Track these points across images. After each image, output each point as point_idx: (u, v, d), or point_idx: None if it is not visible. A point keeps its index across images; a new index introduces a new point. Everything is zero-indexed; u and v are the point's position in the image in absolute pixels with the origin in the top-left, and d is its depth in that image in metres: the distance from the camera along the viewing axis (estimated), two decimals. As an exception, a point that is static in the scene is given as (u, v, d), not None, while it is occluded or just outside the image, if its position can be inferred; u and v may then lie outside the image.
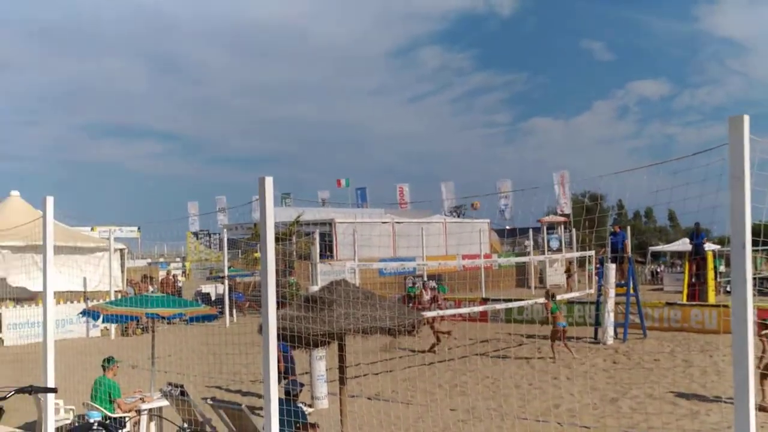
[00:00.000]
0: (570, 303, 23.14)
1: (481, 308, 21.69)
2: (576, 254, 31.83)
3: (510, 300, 22.91)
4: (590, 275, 32.14)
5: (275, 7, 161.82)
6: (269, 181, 6.30)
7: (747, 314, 4.40)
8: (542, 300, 18.93)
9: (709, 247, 25.72)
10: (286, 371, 11.33)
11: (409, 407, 12.00)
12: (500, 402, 12.34)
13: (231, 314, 27.72)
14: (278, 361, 11.61)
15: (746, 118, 4.46)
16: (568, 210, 42.75)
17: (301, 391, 8.46)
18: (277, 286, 5.90)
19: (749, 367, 4.37)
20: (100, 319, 11.50)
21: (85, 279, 24.21)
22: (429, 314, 16.95)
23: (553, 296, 18.24)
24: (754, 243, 5.50)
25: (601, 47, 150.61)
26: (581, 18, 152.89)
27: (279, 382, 11.41)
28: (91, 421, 3.91)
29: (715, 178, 4.88)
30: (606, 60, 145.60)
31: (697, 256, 24.60)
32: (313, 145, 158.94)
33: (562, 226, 42.60)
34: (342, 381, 8.01)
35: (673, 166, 5.39)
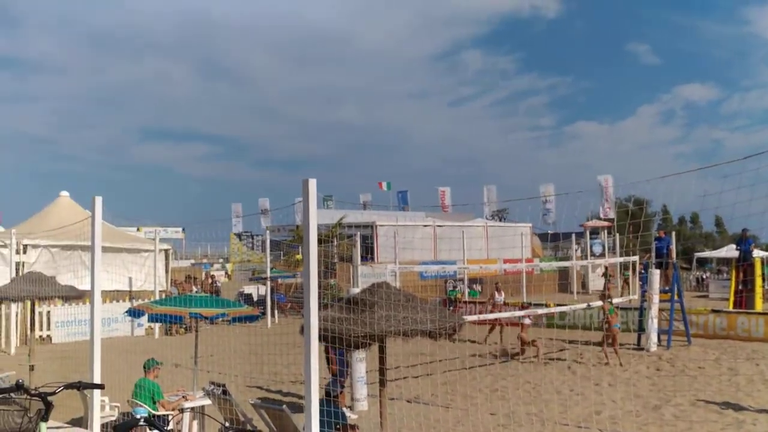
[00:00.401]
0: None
1: (522, 313, 21.48)
2: (619, 259, 31.41)
3: (557, 305, 22.66)
4: (627, 281, 31.71)
5: (320, 12, 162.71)
6: (312, 183, 6.33)
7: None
8: (597, 303, 18.89)
9: (757, 253, 25.18)
10: (340, 374, 11.41)
11: (448, 411, 11.96)
12: (541, 407, 12.23)
13: (273, 315, 27.92)
14: (332, 363, 11.73)
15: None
16: (611, 215, 42.19)
17: (342, 392, 8.49)
18: (319, 287, 5.93)
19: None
20: (145, 317, 11.67)
21: (130, 279, 24.61)
22: (470, 318, 16.89)
23: (610, 299, 18.37)
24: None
25: (647, 51, 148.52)
26: (627, 21, 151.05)
27: (333, 384, 11.55)
28: (138, 416, 3.97)
29: (765, 183, 4.78)
30: (652, 64, 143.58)
31: (744, 262, 24.10)
32: (355, 148, 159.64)
33: (605, 231, 42.08)
34: (382, 383, 8.01)
35: (722, 170, 5.30)
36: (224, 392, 8.29)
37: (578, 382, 14.67)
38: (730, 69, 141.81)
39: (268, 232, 36.08)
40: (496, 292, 22.19)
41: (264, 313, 27.63)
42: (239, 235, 59.04)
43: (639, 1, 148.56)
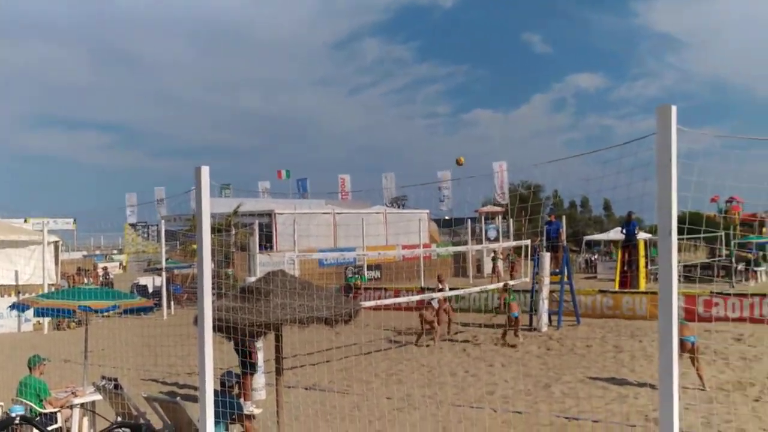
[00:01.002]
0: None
1: (418, 297, 21.79)
2: (512, 243, 32.30)
3: (453, 289, 23.08)
4: (513, 266, 32.69)
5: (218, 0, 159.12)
6: (205, 171, 6.22)
7: (673, 299, 4.53)
8: (493, 287, 19.46)
9: (641, 235, 26.38)
10: (250, 366, 11.29)
11: (345, 397, 12.04)
12: (436, 390, 12.47)
13: (168, 306, 27.33)
14: (254, 353, 11.60)
15: (674, 108, 4.56)
16: (505, 200, 43.30)
17: (237, 383, 8.40)
18: (215, 277, 5.85)
19: (673, 351, 4.51)
20: (31, 312, 11.21)
21: (16, 272, 23.55)
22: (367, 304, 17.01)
23: (508, 287, 18.46)
24: (681, 231, 5.67)
25: (541, 40, 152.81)
26: (521, 11, 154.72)
27: (253, 373, 11.42)
28: (13, 415, 3.79)
29: (644, 168, 5.00)
30: (545, 53, 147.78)
31: (629, 244, 25.21)
32: (255, 136, 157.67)
33: (500, 216, 43.16)
34: (278, 372, 7.99)
35: (603, 155, 5.51)
36: (116, 386, 8.06)
37: (473, 363, 15.03)
38: (618, 59, 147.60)
39: (163, 221, 35.22)
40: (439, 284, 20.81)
41: (159, 305, 27.00)
42: (134, 226, 57.44)
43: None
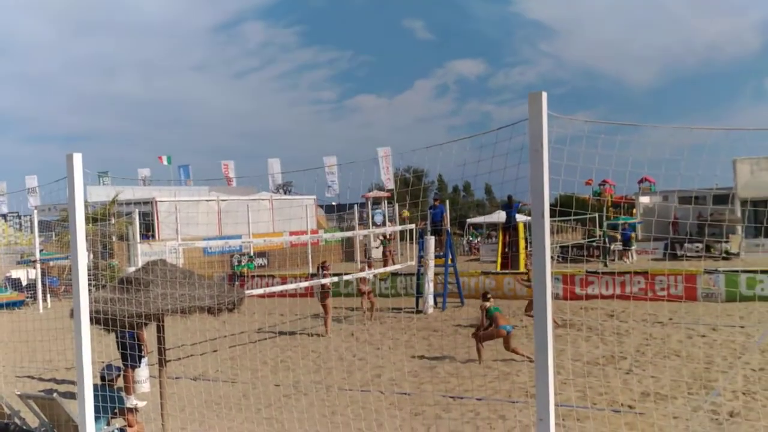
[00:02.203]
0: (393, 275, 23.85)
1: (306, 284, 21.77)
2: (398, 228, 32.71)
3: (337, 275, 23.16)
4: (389, 251, 33.19)
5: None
6: (78, 158, 6.00)
7: (546, 279, 4.72)
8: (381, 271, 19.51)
9: (520, 218, 27.25)
10: (130, 358, 10.93)
11: (233, 385, 11.91)
12: (324, 375, 12.53)
13: (44, 299, 26.18)
14: (144, 344, 11.25)
15: (544, 95, 4.73)
16: (391, 185, 43.76)
17: (119, 375, 8.16)
18: (96, 268, 5.67)
19: (548, 328, 4.71)
20: None
21: None
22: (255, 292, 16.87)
23: (487, 296, 14.38)
24: (554, 213, 5.89)
25: (422, 27, 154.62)
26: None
27: (135, 366, 11.05)
28: None
29: (518, 152, 5.16)
30: (427, 39, 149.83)
31: (509, 226, 26.01)
32: (136, 122, 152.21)
33: (386, 201, 43.60)
34: (161, 363, 7.82)
35: (480, 140, 5.66)
36: (-14, 386, 7.68)
37: (361, 347, 15.17)
38: (496, 46, 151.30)
39: (36, 211, 33.59)
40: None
41: (34, 298, 25.84)
42: (4, 216, 54.56)
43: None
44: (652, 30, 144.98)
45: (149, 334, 10.28)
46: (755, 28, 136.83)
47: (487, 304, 13.65)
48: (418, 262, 20.87)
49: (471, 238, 47.18)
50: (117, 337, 10.92)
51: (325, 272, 18.29)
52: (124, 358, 10.88)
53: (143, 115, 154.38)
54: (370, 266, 20.29)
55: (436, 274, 20.53)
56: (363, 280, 19.25)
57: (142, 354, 11.50)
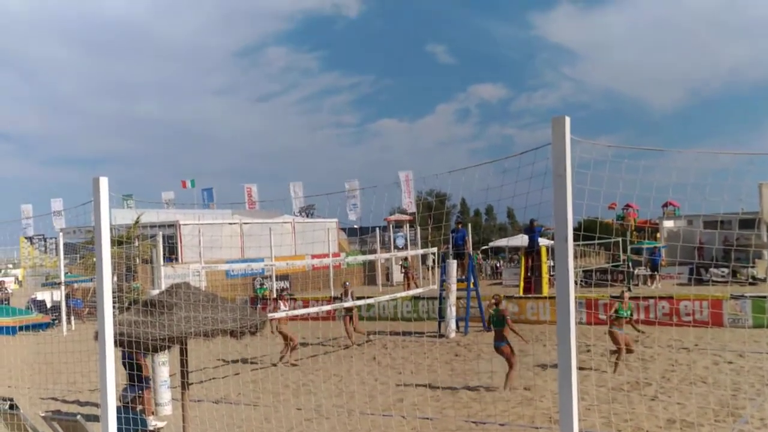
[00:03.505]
0: (415, 299, 23.80)
1: (329, 307, 21.78)
2: (420, 251, 32.67)
3: (361, 298, 23.15)
4: (409, 273, 33.16)
5: (119, 2, 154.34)
6: (104, 182, 6.07)
7: (570, 303, 4.69)
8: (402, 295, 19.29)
9: (542, 242, 27.10)
10: (138, 379, 10.94)
11: (255, 409, 11.89)
12: (346, 399, 12.48)
13: (69, 321, 26.38)
14: (145, 367, 11.22)
15: (567, 119, 4.73)
16: (412, 209, 43.75)
17: (140, 396, 8.19)
18: (120, 291, 5.72)
19: (572, 353, 4.66)
20: None
21: None
22: (277, 315, 16.90)
23: (497, 302, 13.66)
24: (578, 237, 5.85)
25: (444, 51, 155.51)
26: (426, 22, 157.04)
27: (142, 389, 11.01)
28: None
29: (541, 177, 5.15)
30: (449, 63, 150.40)
31: (532, 250, 25.89)
32: (159, 145, 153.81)
33: (407, 225, 43.59)
34: (184, 386, 7.83)
35: (503, 165, 5.66)
36: (11, 407, 7.73)
37: (383, 371, 15.11)
38: (518, 70, 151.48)
39: (61, 234, 33.96)
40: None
41: (59, 320, 26.04)
42: (30, 239, 55.19)
43: (436, 3, 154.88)
44: (675, 53, 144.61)
45: (173, 357, 10.30)
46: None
47: (491, 310, 13.46)
48: (441, 285, 20.80)
49: (483, 260, 46.84)
50: (124, 358, 10.97)
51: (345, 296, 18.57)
52: (131, 379, 10.89)
53: (166, 138, 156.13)
54: (346, 293, 19.86)
55: (458, 298, 20.44)
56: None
57: (142, 375, 11.31)
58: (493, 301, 13.76)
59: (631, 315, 14.42)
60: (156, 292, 10.86)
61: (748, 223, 30.34)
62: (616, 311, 14.12)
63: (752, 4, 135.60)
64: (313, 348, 18.61)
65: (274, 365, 16.68)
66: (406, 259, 35.84)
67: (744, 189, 5.59)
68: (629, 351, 14.23)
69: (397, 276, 39.25)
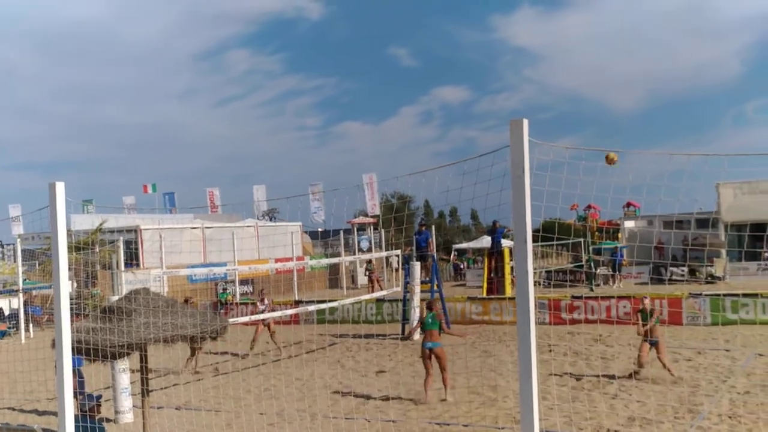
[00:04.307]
0: (379, 301, 23.81)
1: (293, 311, 21.70)
2: (384, 254, 32.72)
3: (322, 301, 23.08)
4: (375, 277, 33.27)
5: (81, 5, 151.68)
6: (60, 187, 5.99)
7: (529, 303, 4.73)
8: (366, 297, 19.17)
9: (505, 243, 27.31)
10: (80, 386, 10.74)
11: (217, 415, 11.79)
12: (309, 403, 12.43)
13: (27, 329, 25.91)
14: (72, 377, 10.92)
15: (525, 122, 4.78)
16: (377, 211, 43.79)
17: (99, 404, 8.05)
18: (79, 297, 5.64)
19: (532, 353, 4.70)
20: None
21: None
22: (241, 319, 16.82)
23: (431, 307, 13.52)
24: (538, 238, 5.90)
25: (407, 54, 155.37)
26: (388, 25, 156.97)
27: (89, 398, 10.78)
28: None
29: (500, 178, 5.19)
30: (411, 66, 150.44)
31: (494, 251, 26.06)
32: (120, 149, 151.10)
33: (372, 227, 43.61)
34: (144, 393, 7.74)
35: (463, 167, 5.69)
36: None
37: (347, 375, 15.08)
38: (480, 73, 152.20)
39: (19, 240, 33.39)
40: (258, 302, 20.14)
41: (16, 328, 25.60)
42: (-14, 245, 54.13)
43: (399, 6, 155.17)
44: (636, 55, 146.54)
45: (132, 363, 10.17)
46: (737, 54, 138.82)
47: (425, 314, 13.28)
48: (404, 288, 20.82)
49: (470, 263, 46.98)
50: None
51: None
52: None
53: (128, 142, 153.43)
54: (263, 301, 19.95)
55: (422, 300, 20.48)
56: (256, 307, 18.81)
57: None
58: (426, 306, 13.77)
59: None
60: (115, 298, 10.71)
61: (706, 222, 30.95)
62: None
63: (713, 6, 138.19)
64: (275, 352, 18.50)
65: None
66: (370, 261, 35.87)
67: (700, 189, 5.70)
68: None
69: (362, 279, 39.24)
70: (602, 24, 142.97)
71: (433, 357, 12.49)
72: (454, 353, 16.85)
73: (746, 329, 17.75)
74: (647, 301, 13.68)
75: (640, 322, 13.28)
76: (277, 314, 18.98)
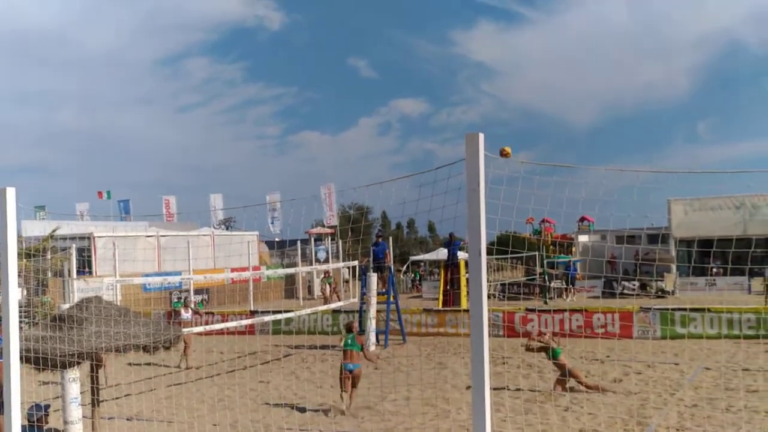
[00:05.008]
0: (335, 312, 23.77)
1: (248, 321, 21.54)
2: (341, 264, 32.68)
3: (278, 312, 22.95)
4: (333, 288, 33.33)
5: (35, 8, 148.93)
6: (11, 193, 5.90)
7: (483, 315, 4.78)
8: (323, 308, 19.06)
9: (462, 255, 27.49)
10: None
11: (170, 426, 11.64)
12: (264, 414, 12.34)
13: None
14: None
15: (481, 136, 4.85)
16: (334, 222, 43.77)
17: (47, 414, 7.91)
18: (29, 305, 5.55)
19: (485, 365, 4.75)
20: None
21: None
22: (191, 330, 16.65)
23: (349, 327, 13.93)
24: (493, 251, 5.96)
25: (366, 65, 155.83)
26: (348, 36, 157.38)
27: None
28: None
29: (456, 191, 5.25)
30: (371, 77, 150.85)
31: (450, 263, 26.22)
32: (76, 155, 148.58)
33: (329, 238, 43.55)
34: (94, 403, 7.61)
35: (419, 179, 5.75)
36: None
37: (302, 386, 15.02)
38: (439, 86, 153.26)
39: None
40: (182, 309, 19.81)
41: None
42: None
43: (359, 17, 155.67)
44: (591, 72, 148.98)
45: (83, 374, 10.00)
46: (686, 73, 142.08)
47: (345, 335, 13.44)
48: (361, 299, 20.83)
49: (416, 275, 47.15)
50: None
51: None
52: None
53: (84, 148, 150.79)
54: (187, 307, 19.94)
55: (378, 311, 20.51)
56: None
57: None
58: (345, 327, 14.00)
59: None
60: (67, 306, 10.53)
61: (656, 237, 31.59)
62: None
63: (665, 25, 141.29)
64: (229, 363, 18.34)
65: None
66: (327, 273, 35.79)
67: (651, 205, 5.83)
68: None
69: (318, 290, 39.16)
70: (559, 42, 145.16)
71: (349, 378, 12.72)
72: (410, 365, 16.93)
73: (694, 343, 18.13)
74: (547, 337, 13.59)
75: (552, 360, 13.32)
76: (197, 329, 18.48)
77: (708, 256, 32.27)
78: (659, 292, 31.40)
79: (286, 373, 16.77)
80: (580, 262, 35.62)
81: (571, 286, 32.96)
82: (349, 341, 13.15)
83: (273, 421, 11.70)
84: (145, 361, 16.30)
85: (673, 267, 34.10)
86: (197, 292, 34.12)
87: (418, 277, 46.01)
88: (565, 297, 32.38)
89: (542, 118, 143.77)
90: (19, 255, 5.84)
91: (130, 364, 16.25)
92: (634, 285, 31.30)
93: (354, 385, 12.79)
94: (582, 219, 40.63)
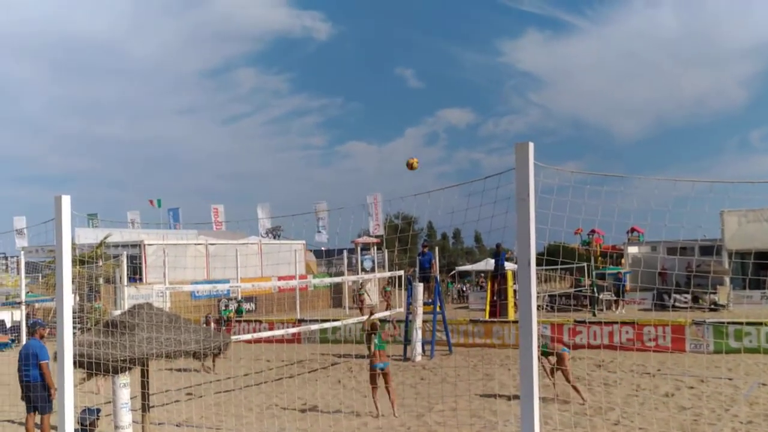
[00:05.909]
0: (382, 322, 23.74)
1: (294, 330, 21.67)
2: (387, 274, 32.66)
3: (325, 320, 23.05)
4: (387, 296, 33.26)
5: (85, 20, 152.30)
6: (66, 200, 6.02)
7: (532, 327, 4.73)
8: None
9: (509, 266, 27.26)
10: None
11: (218, 432, 11.75)
12: (310, 423, 12.37)
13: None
14: (51, 386, 10.82)
15: (531, 145, 4.80)
16: (380, 231, 43.83)
17: (98, 418, 8.03)
18: (81, 311, 5.66)
19: (534, 377, 4.70)
20: None
21: None
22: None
23: (374, 326, 13.85)
24: (542, 262, 5.89)
25: (413, 75, 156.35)
26: (395, 46, 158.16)
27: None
28: None
29: (505, 201, 5.20)
30: (417, 87, 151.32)
31: (497, 274, 26.02)
32: (125, 165, 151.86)
33: (375, 247, 43.60)
34: (145, 408, 7.71)
35: (468, 189, 5.71)
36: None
37: (348, 395, 15.01)
38: (485, 96, 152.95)
39: (23, 252, 33.42)
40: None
41: (17, 340, 25.61)
42: (-9, 258, 54.20)
43: (406, 28, 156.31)
44: (639, 82, 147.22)
45: (134, 379, 10.15)
46: (740, 83, 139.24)
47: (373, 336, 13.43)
48: (407, 309, 20.79)
49: (450, 286, 46.90)
50: (21, 380, 10.74)
51: None
52: (28, 401, 10.65)
53: (132, 158, 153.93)
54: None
55: (424, 322, 20.44)
56: None
57: (50, 396, 10.70)
58: (371, 326, 13.94)
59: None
60: (118, 312, 10.71)
61: (710, 249, 30.91)
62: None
63: (716, 36, 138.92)
64: (277, 371, 18.45)
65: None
66: (388, 282, 35.77)
67: (704, 216, 5.70)
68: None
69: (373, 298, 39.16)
70: (606, 51, 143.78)
71: (381, 376, 13.02)
72: (456, 375, 16.81)
73: (749, 358, 17.65)
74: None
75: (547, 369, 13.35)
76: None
77: (764, 268, 31.42)
78: (712, 305, 30.68)
79: (332, 381, 16.80)
80: (630, 274, 35.00)
81: (620, 297, 32.42)
82: (377, 341, 13.33)
83: (320, 429, 11.72)
84: (183, 367, 16.50)
85: (727, 279, 33.29)
86: (245, 300, 34.43)
87: (451, 287, 45.75)
88: (614, 309, 31.85)
89: (589, 128, 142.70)
90: (73, 262, 5.96)
91: (171, 369, 16.45)
92: (686, 298, 30.65)
93: (389, 386, 12.98)
94: (632, 230, 40.02)
